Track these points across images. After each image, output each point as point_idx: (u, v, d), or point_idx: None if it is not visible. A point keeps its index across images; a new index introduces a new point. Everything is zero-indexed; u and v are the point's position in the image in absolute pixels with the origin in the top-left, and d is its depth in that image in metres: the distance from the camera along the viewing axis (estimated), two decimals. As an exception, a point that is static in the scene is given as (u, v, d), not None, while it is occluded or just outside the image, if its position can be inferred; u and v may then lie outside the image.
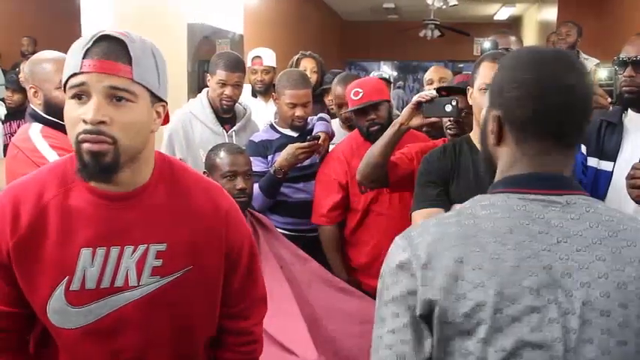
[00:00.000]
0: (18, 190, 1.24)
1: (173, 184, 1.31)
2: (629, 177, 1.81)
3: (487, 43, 2.59)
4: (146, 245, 1.25)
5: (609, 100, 2.04)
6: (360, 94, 2.56)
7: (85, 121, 1.13)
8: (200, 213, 1.32)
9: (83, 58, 1.14)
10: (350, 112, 2.72)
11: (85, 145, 1.14)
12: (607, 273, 0.94)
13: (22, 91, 3.43)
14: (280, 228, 2.68)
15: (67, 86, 1.17)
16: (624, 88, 2.07)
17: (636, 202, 1.84)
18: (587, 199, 1.02)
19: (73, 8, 3.29)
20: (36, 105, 2.17)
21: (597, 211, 1.00)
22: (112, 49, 1.16)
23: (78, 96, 1.16)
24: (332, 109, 3.33)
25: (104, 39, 1.16)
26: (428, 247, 0.98)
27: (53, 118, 2.13)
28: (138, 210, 1.25)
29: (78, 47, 1.17)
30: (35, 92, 2.16)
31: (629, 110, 2.13)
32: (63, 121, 2.09)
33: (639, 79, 2.04)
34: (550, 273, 0.94)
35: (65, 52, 2.20)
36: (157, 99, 1.23)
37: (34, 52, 3.19)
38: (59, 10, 3.34)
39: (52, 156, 2.01)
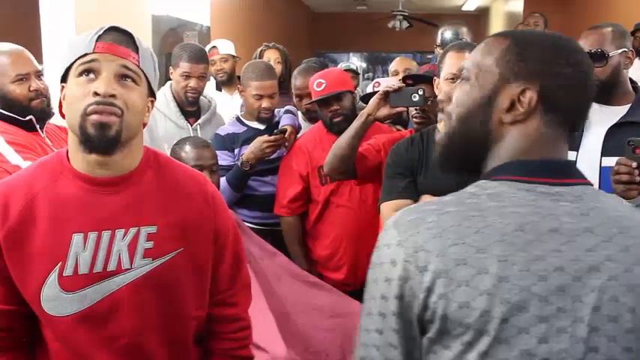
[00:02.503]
0: (6, 185, 1.28)
1: (160, 170, 1.36)
2: (613, 172, 1.83)
3: (448, 33, 2.58)
4: (137, 228, 1.28)
5: None
6: (323, 85, 2.55)
7: (96, 94, 1.20)
8: (189, 197, 1.36)
9: (96, 42, 1.23)
10: (313, 103, 2.70)
11: (94, 117, 1.20)
12: (617, 275, 0.87)
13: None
14: (248, 222, 2.66)
15: (75, 66, 1.23)
16: None
17: (622, 197, 1.86)
18: (593, 190, 0.97)
19: (32, 1, 3.20)
20: None
21: (606, 204, 0.94)
22: (123, 38, 1.26)
23: (86, 72, 1.22)
24: None
25: (114, 29, 1.26)
26: (425, 244, 0.87)
27: (9, 112, 2.09)
28: (128, 194, 1.29)
29: (87, 35, 1.25)
30: None
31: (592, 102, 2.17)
32: (20, 115, 2.08)
33: (596, 72, 2.09)
34: (560, 277, 0.85)
35: (26, 46, 2.17)
36: (150, 92, 1.32)
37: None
38: (18, 4, 3.24)
39: (7, 151, 1.97)
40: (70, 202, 1.25)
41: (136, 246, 1.28)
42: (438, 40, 2.93)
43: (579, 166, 2.19)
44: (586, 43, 2.14)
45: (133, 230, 1.28)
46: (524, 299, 0.84)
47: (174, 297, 1.34)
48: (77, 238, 1.24)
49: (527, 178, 0.93)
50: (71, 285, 1.24)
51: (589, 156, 1.96)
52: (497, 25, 10.39)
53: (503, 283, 0.84)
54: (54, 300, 1.23)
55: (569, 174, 0.97)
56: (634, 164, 1.78)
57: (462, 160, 1.03)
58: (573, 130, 1.01)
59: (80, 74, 1.22)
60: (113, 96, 1.20)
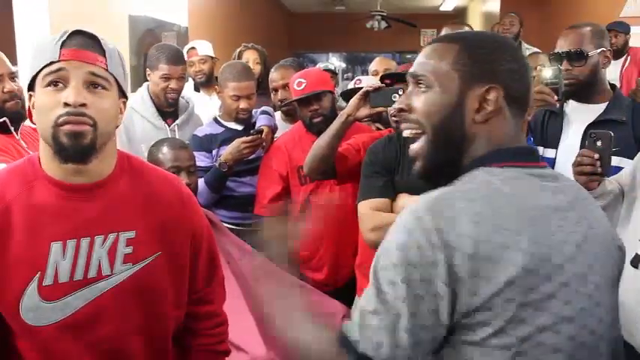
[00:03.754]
0: None
1: (135, 175, 1.35)
2: (576, 164, 1.85)
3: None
4: (116, 234, 1.27)
5: (555, 97, 2.10)
6: (303, 85, 2.54)
7: (66, 104, 1.17)
8: (164, 200, 1.36)
9: (61, 48, 1.20)
10: (292, 103, 2.70)
11: (66, 127, 1.18)
12: (597, 236, 1.02)
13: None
14: (227, 222, 2.65)
15: (42, 75, 1.20)
16: (565, 82, 2.14)
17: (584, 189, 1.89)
18: (554, 170, 1.09)
19: (5, 0, 3.16)
20: None
21: (567, 180, 1.09)
22: (89, 42, 1.23)
23: (54, 83, 1.19)
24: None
25: (78, 34, 1.23)
26: (466, 230, 0.91)
27: None
28: (104, 200, 1.28)
29: (50, 40, 1.21)
30: None
31: (571, 100, 2.20)
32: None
33: (576, 71, 2.13)
34: (567, 248, 0.96)
35: (-1, 46, 2.14)
36: (121, 93, 1.29)
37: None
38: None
39: None
40: (46, 209, 1.23)
41: (116, 252, 1.27)
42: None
43: (559, 162, 2.26)
44: (565, 43, 2.16)
45: (111, 236, 1.27)
46: (549, 270, 0.93)
47: (155, 299, 1.34)
48: (56, 247, 1.22)
49: (520, 163, 1.03)
50: (51, 294, 1.23)
51: (568, 153, 1.99)
52: (474, 25, 10.42)
53: (533, 259, 0.92)
54: (34, 310, 1.22)
55: (538, 158, 1.09)
56: (596, 155, 1.82)
57: (445, 167, 1.07)
58: (523, 118, 1.11)
59: (48, 84, 1.20)
60: (84, 105, 1.19)
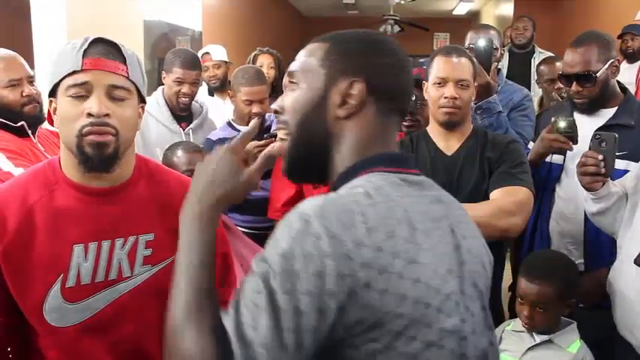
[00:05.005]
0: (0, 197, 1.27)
1: (152, 178, 1.37)
2: (580, 164, 1.87)
3: (482, 41, 2.56)
4: (135, 236, 1.30)
5: (571, 144, 2.13)
6: None
7: (90, 114, 1.20)
8: (181, 203, 1.37)
9: (83, 57, 1.21)
10: None
11: (90, 137, 1.20)
12: (470, 247, 0.99)
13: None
14: (240, 226, 2.66)
15: (64, 85, 1.22)
16: (576, 100, 2.17)
17: (586, 189, 1.89)
18: (428, 179, 1.04)
19: (23, 6, 3.21)
20: None
21: (440, 189, 1.04)
22: (110, 50, 1.25)
23: (77, 93, 1.21)
24: None
25: (99, 41, 1.25)
26: (364, 239, 0.84)
27: (1, 118, 2.09)
28: (124, 203, 1.31)
29: (72, 48, 1.23)
30: None
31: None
32: (12, 120, 2.08)
33: (586, 92, 2.15)
34: (448, 257, 0.93)
35: (17, 51, 2.18)
36: (140, 99, 1.31)
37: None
38: (9, 8, 3.25)
39: (0, 159, 1.96)
40: (67, 213, 1.26)
41: (136, 254, 1.30)
42: (468, 44, 2.85)
43: (567, 167, 2.27)
44: (573, 63, 2.16)
45: (131, 239, 1.30)
46: (439, 282, 0.89)
47: None
48: (78, 249, 1.25)
49: (396, 169, 0.98)
50: (74, 296, 1.25)
51: (576, 158, 2.00)
52: (487, 29, 10.43)
53: (424, 270, 0.87)
54: (57, 311, 1.25)
55: (413, 165, 1.03)
56: (600, 157, 1.83)
57: (311, 167, 1.04)
58: (403, 117, 1.08)
59: (71, 94, 1.22)
60: (107, 115, 1.21)
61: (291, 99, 1.03)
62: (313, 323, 0.80)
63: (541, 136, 2.22)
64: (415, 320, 0.85)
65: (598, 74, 2.12)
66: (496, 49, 2.69)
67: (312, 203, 0.87)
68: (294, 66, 1.06)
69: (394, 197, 0.91)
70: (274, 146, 1.11)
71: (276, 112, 1.07)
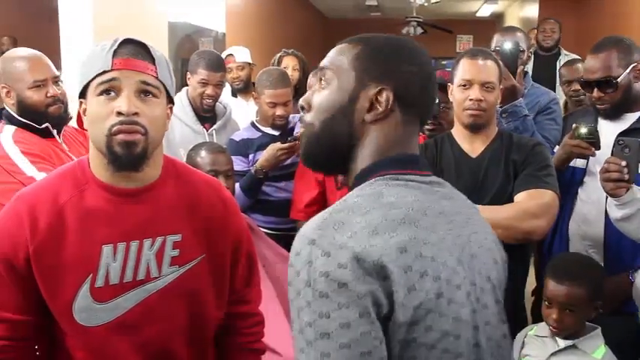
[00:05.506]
0: (31, 196, 1.28)
1: (179, 179, 1.38)
2: (603, 170, 1.85)
3: (508, 44, 2.54)
4: (163, 237, 1.31)
5: (593, 149, 2.12)
6: None
7: (119, 113, 1.20)
8: (208, 204, 1.39)
9: (113, 57, 1.22)
10: None
11: (120, 136, 1.21)
12: (481, 241, 1.04)
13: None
14: (262, 227, 2.67)
15: (94, 84, 1.23)
16: (598, 106, 2.15)
17: (609, 196, 1.87)
18: (439, 179, 1.07)
19: (52, 8, 3.26)
20: (9, 105, 2.11)
21: (452, 189, 1.08)
22: (139, 50, 1.26)
23: (107, 92, 1.22)
24: None
25: (128, 42, 1.26)
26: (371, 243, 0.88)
27: (26, 119, 2.09)
28: (152, 204, 1.31)
29: (102, 49, 1.24)
30: (8, 92, 2.11)
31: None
32: (36, 122, 2.09)
33: (607, 97, 2.12)
34: (456, 250, 0.96)
35: (45, 51, 2.20)
36: (169, 99, 1.32)
37: (12, 52, 3.14)
38: (37, 10, 3.30)
39: (23, 163, 1.97)
40: (97, 213, 1.27)
41: (163, 255, 1.31)
42: (494, 47, 2.83)
43: (590, 172, 2.26)
44: (593, 69, 2.14)
45: (159, 239, 1.31)
46: (448, 273, 0.93)
47: (198, 300, 1.37)
48: (107, 250, 1.26)
49: (406, 170, 1.02)
50: (103, 295, 1.27)
51: (599, 163, 1.98)
52: (511, 31, 10.34)
53: (433, 263, 0.91)
54: (86, 311, 1.26)
55: (426, 166, 1.07)
56: (623, 163, 1.81)
57: (328, 162, 1.08)
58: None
59: (101, 93, 1.23)
60: (136, 114, 1.22)
61: (319, 96, 1.06)
62: (376, 331, 0.86)
63: (563, 141, 2.20)
64: (429, 310, 0.89)
65: (619, 79, 2.09)
66: (522, 51, 2.67)
67: (310, 226, 0.91)
68: (325, 63, 1.07)
69: (392, 200, 0.95)
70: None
71: (301, 107, 1.09)
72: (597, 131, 2.11)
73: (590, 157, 2.18)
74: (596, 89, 2.15)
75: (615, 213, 1.92)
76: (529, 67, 4.73)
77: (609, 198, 1.90)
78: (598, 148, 2.10)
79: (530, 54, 2.99)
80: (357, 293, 0.84)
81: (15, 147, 2.03)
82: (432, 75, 1.07)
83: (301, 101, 1.10)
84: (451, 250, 0.95)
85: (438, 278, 0.90)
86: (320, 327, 0.85)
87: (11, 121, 2.11)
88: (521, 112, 2.31)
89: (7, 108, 2.12)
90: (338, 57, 1.05)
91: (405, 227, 0.91)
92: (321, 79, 1.07)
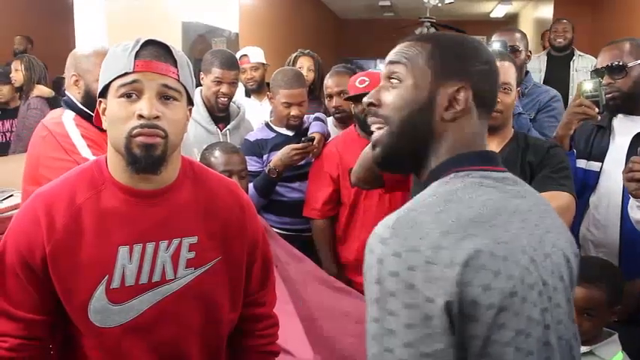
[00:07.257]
0: (48, 195, 1.27)
1: (196, 180, 1.37)
2: (627, 170, 1.82)
3: (496, 44, 2.55)
4: (179, 239, 1.31)
5: (597, 110, 2.10)
6: (366, 83, 2.55)
7: (141, 116, 1.20)
8: (224, 206, 1.38)
9: (135, 59, 1.21)
10: (348, 101, 2.71)
11: (140, 139, 1.20)
12: (554, 240, 1.03)
13: (10, 84, 3.40)
14: (275, 227, 2.67)
15: (115, 85, 1.22)
16: (607, 95, 2.13)
17: (633, 197, 1.84)
18: (514, 176, 1.07)
19: (66, 7, 3.27)
20: (74, 94, 2.17)
21: (527, 186, 1.08)
22: (161, 52, 1.24)
23: (128, 95, 1.21)
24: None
25: (150, 43, 1.24)
26: (442, 242, 0.89)
27: (87, 109, 2.13)
28: (169, 206, 1.31)
29: (123, 50, 1.23)
30: (77, 81, 2.17)
31: (619, 114, 2.18)
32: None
33: (617, 84, 2.10)
34: (529, 250, 0.96)
35: (59, 50, 2.22)
36: (189, 101, 1.31)
37: (24, 51, 3.17)
38: (52, 10, 3.32)
39: (80, 144, 2.03)
40: (114, 214, 1.26)
41: (179, 257, 1.30)
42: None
43: (605, 174, 2.23)
44: (605, 58, 2.14)
45: (175, 241, 1.30)
46: (520, 272, 0.92)
47: (214, 302, 1.37)
48: (123, 251, 1.26)
49: (482, 167, 1.03)
50: (118, 297, 1.26)
51: (614, 165, 1.96)
52: (526, 32, 10.28)
53: (506, 262, 0.91)
54: (102, 312, 1.25)
55: (500, 162, 1.08)
56: None
57: (406, 160, 1.08)
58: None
59: (122, 95, 1.22)
60: (157, 117, 1.21)
61: (394, 95, 1.06)
62: (445, 326, 0.87)
63: (568, 107, 2.21)
64: (503, 308, 0.89)
65: (630, 65, 2.08)
66: (518, 51, 2.67)
67: (385, 224, 0.93)
68: (394, 59, 1.08)
69: (466, 199, 0.95)
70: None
71: (371, 104, 1.09)
72: (602, 88, 2.09)
73: (605, 160, 2.15)
74: (606, 75, 2.13)
75: (637, 214, 1.89)
76: (542, 69, 4.72)
77: (631, 199, 1.87)
78: (600, 108, 2.09)
79: (529, 53, 2.99)
80: (425, 296, 0.86)
81: (76, 129, 2.09)
82: (497, 71, 1.09)
83: (368, 98, 1.10)
84: (524, 249, 0.95)
85: (512, 277, 0.91)
86: (387, 323, 0.88)
87: (71, 107, 2.16)
88: (514, 110, 2.30)
89: (69, 95, 2.18)
90: (410, 55, 1.06)
91: (477, 227, 0.92)
92: (391, 78, 1.07)
